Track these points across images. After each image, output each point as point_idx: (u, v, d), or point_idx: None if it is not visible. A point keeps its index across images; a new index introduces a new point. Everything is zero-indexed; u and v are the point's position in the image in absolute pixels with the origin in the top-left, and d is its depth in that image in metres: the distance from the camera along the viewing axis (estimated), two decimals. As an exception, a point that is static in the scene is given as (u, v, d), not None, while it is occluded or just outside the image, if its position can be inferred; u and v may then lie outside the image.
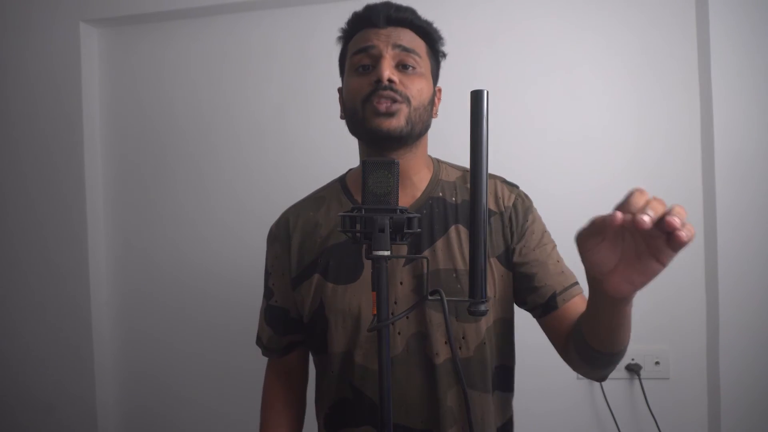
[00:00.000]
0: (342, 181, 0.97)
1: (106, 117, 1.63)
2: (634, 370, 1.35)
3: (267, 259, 0.98)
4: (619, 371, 1.37)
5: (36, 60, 1.60)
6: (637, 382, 1.36)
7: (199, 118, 1.57)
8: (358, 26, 0.88)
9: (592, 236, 0.58)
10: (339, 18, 1.43)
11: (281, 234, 0.95)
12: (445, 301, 0.62)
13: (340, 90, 0.94)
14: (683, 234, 0.51)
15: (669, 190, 1.35)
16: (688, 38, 1.35)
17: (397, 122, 0.81)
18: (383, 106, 0.81)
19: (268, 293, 0.98)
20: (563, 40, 1.40)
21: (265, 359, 1.05)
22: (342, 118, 0.91)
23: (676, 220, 0.51)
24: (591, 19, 1.39)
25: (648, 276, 0.58)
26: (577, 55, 1.39)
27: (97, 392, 1.58)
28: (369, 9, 0.86)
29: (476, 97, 0.60)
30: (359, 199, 0.90)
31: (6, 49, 1.62)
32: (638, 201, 0.53)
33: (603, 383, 1.35)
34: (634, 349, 1.36)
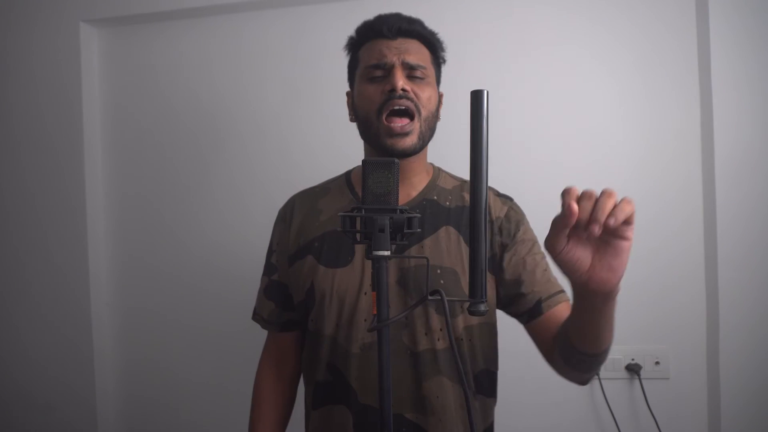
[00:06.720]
0: (347, 175, 1.02)
1: (106, 117, 1.63)
2: (634, 370, 1.35)
3: (273, 237, 1.03)
4: (619, 371, 1.37)
5: (36, 60, 1.60)
6: (637, 382, 1.36)
7: (200, 117, 1.57)
8: (369, 35, 0.91)
9: (557, 237, 0.61)
10: (339, 18, 1.46)
11: (286, 214, 1.01)
12: (446, 302, 0.61)
13: (349, 94, 0.98)
14: (611, 221, 0.56)
15: (668, 190, 1.35)
16: (687, 36, 1.35)
17: (411, 141, 0.87)
18: (398, 126, 0.85)
19: (270, 269, 1.02)
20: (563, 39, 1.40)
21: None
22: (352, 121, 0.96)
23: (599, 214, 0.56)
24: (593, 18, 1.39)
25: (621, 256, 0.61)
26: (575, 54, 1.39)
27: (97, 392, 1.58)
28: (381, 21, 0.90)
29: (476, 97, 0.60)
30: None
31: (7, 49, 1.62)
32: (575, 193, 0.59)
33: (604, 383, 1.35)
34: (634, 349, 1.36)
